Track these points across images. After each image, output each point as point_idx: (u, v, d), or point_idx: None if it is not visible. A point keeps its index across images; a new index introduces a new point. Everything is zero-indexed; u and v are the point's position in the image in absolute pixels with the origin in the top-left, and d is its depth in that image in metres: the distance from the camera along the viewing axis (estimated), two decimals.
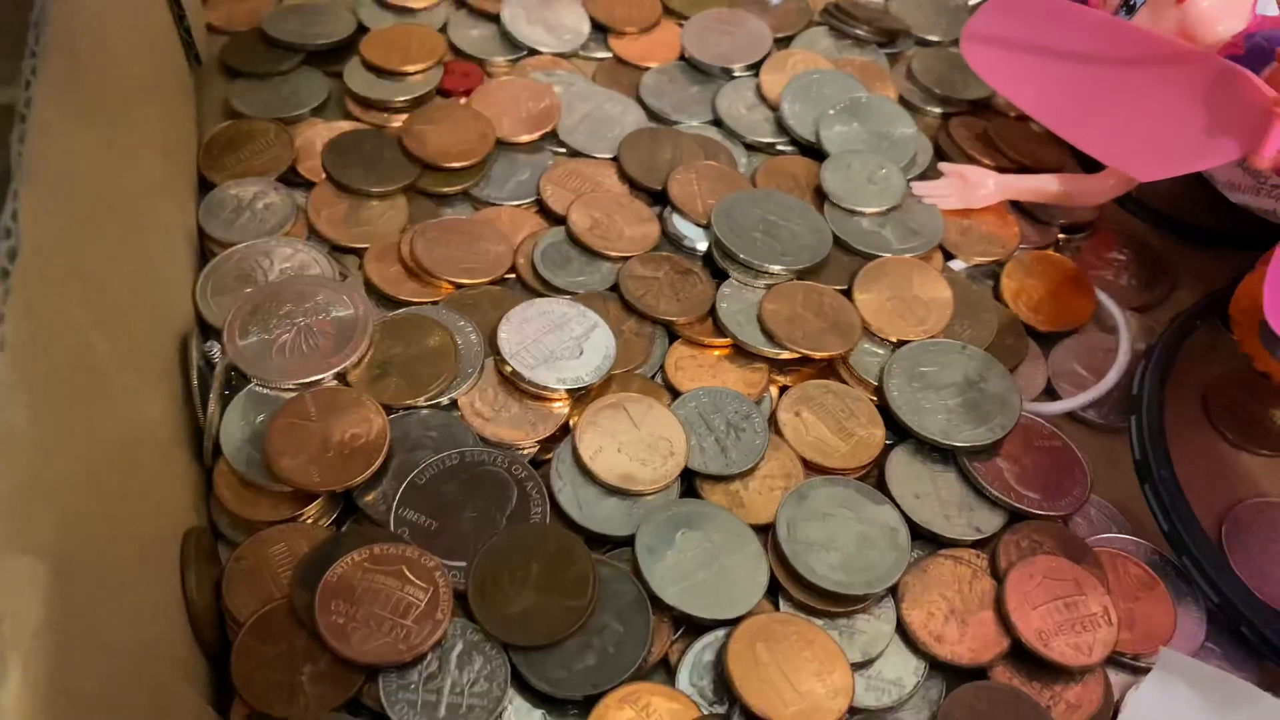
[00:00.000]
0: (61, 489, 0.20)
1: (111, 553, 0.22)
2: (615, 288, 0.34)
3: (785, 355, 0.32)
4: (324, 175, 0.35)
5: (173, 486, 0.27)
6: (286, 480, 0.27)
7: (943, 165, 0.38)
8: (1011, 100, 0.36)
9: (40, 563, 0.17)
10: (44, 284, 0.21)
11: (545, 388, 0.30)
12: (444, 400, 0.30)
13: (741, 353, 0.32)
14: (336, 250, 0.34)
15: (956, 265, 0.36)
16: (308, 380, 0.30)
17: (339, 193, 0.35)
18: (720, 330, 0.33)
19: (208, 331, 0.31)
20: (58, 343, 0.21)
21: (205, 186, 0.35)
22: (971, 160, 0.39)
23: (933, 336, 0.33)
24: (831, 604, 0.27)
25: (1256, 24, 0.32)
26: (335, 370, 0.30)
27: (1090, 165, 0.36)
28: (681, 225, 0.35)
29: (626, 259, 0.34)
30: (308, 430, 0.28)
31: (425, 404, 0.30)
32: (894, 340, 0.33)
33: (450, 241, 0.34)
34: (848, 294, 0.34)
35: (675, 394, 0.31)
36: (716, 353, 0.33)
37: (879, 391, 0.32)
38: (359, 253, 0.34)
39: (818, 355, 0.32)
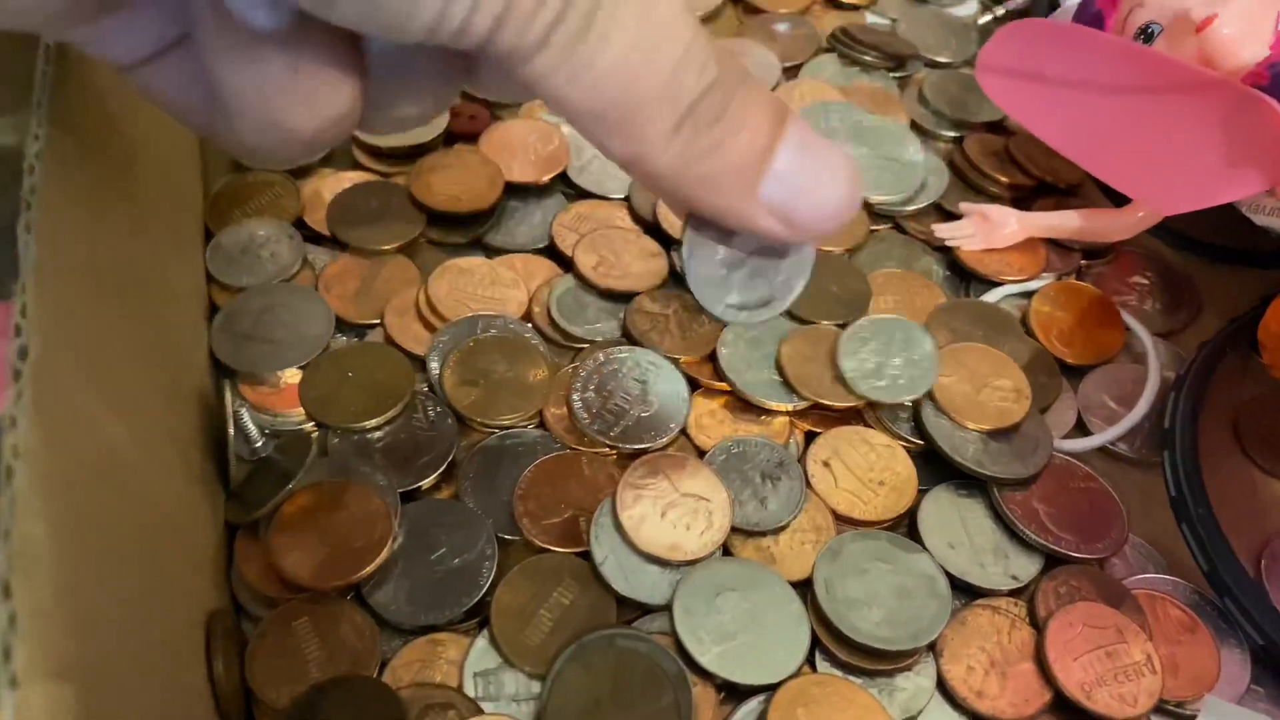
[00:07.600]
0: (84, 596, 0.19)
1: (136, 650, 0.21)
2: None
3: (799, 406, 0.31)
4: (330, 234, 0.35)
5: (192, 567, 0.26)
6: (290, 579, 0.27)
7: (964, 205, 0.37)
8: (1031, 130, 0.35)
9: (62, 685, 0.17)
10: (58, 379, 0.20)
11: (640, 449, 0.30)
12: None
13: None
14: (350, 327, 0.33)
15: (990, 296, 0.35)
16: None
17: (350, 266, 0.34)
18: (720, 375, 0.32)
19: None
20: (75, 440, 0.20)
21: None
22: (986, 177, 0.38)
23: None
24: (877, 661, 0.27)
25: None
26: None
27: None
28: None
29: (635, 294, 0.33)
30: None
31: (482, 424, 0.31)
32: None
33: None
34: None
35: (699, 450, 0.31)
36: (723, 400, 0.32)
37: (915, 416, 0.31)
38: (370, 328, 0.33)
39: (837, 405, 0.31)
